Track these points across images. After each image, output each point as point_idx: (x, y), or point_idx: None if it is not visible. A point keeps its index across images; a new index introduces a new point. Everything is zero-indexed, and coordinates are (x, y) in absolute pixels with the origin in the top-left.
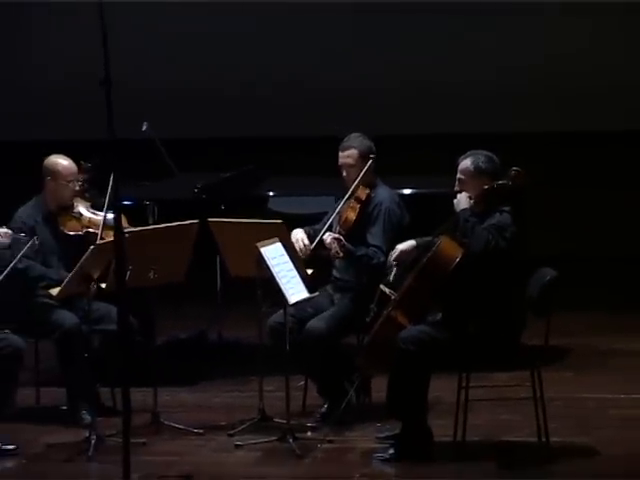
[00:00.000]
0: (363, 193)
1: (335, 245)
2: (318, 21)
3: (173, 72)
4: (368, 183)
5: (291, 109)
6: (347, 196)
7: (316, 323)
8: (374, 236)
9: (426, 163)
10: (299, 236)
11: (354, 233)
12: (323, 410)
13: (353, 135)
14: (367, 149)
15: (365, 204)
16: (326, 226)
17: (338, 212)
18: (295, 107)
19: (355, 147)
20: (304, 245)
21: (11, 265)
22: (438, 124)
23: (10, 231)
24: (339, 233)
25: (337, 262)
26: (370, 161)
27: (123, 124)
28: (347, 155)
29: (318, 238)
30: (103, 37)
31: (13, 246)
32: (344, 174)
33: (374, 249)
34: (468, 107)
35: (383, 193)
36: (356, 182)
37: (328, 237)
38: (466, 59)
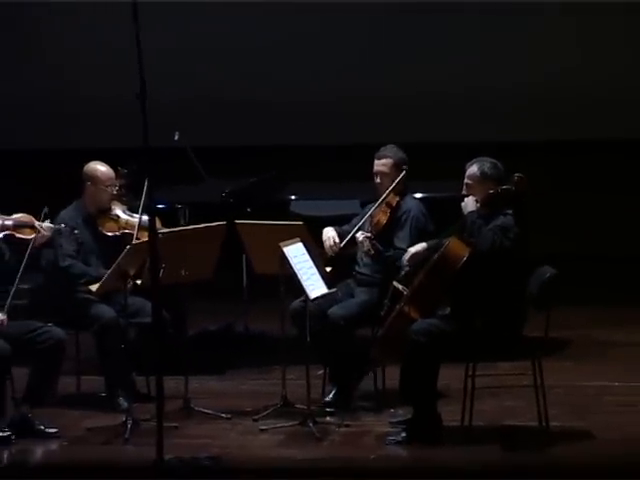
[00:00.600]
0: (394, 200)
1: (367, 243)
2: (336, 32)
3: (204, 84)
4: (399, 191)
5: (311, 118)
6: (379, 201)
7: (337, 310)
8: (401, 239)
9: (435, 169)
10: (330, 234)
11: (382, 235)
12: (329, 398)
13: (389, 146)
14: (401, 160)
15: (395, 210)
16: (357, 227)
17: (370, 215)
18: (315, 116)
19: (390, 157)
20: (334, 242)
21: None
22: (444, 133)
23: (52, 225)
24: (371, 233)
25: (360, 259)
26: (404, 171)
27: (157, 133)
28: (382, 163)
29: (349, 236)
30: (138, 54)
31: (55, 237)
32: (377, 180)
33: (400, 251)
34: (474, 117)
35: (411, 202)
36: (389, 189)
37: (361, 235)
38: (472, 70)
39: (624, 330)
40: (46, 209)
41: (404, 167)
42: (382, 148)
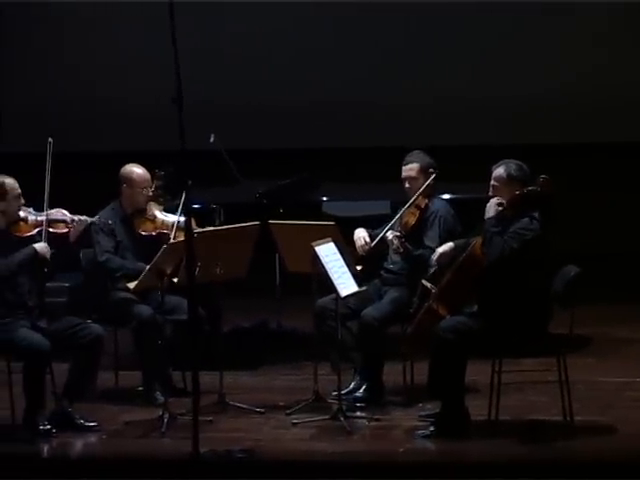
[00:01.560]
0: (422, 202)
1: (397, 241)
2: (367, 35)
3: (239, 89)
4: (427, 194)
5: (343, 121)
6: (409, 204)
7: (371, 311)
8: (430, 239)
9: (463, 172)
10: (361, 234)
11: (412, 236)
12: (359, 394)
13: (415, 151)
14: (427, 164)
15: (424, 211)
16: (388, 227)
17: (400, 216)
18: (347, 119)
19: (417, 162)
20: (365, 242)
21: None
22: (471, 136)
23: (86, 217)
24: (400, 232)
25: (390, 259)
26: (432, 174)
27: (193, 136)
28: (410, 168)
29: (379, 236)
30: (175, 59)
31: (93, 235)
32: (407, 185)
33: (429, 250)
34: (499, 120)
35: (439, 203)
36: (419, 192)
37: (391, 234)
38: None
39: None
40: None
41: (431, 170)
42: (408, 154)
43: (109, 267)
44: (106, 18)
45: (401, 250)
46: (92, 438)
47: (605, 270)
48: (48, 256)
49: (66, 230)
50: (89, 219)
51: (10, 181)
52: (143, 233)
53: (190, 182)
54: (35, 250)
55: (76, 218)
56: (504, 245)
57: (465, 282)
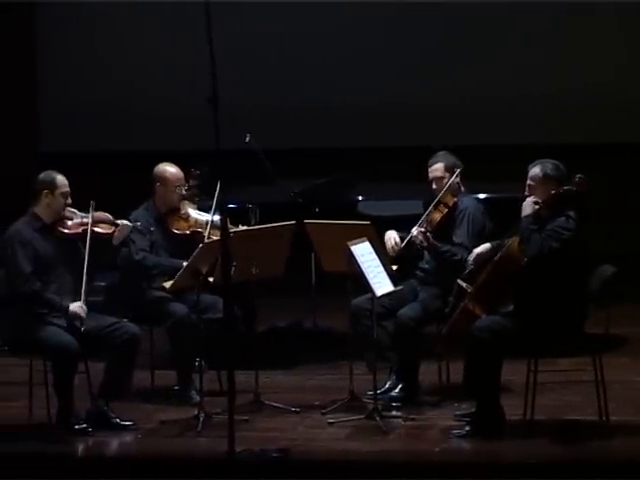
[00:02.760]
0: (451, 200)
1: (421, 236)
2: (399, 37)
3: (275, 90)
4: (454, 191)
5: (377, 121)
6: (435, 202)
7: (407, 311)
8: (458, 236)
9: (498, 171)
10: (392, 236)
11: (440, 234)
12: (395, 393)
13: (440, 152)
14: (452, 163)
15: (452, 209)
16: (416, 226)
17: (427, 214)
18: (380, 119)
19: (441, 162)
20: (395, 243)
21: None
22: (507, 135)
23: (130, 222)
24: (425, 228)
25: (425, 259)
26: (456, 173)
27: (229, 135)
28: (435, 169)
29: (408, 237)
30: (211, 59)
31: (129, 234)
32: (433, 186)
33: (457, 247)
34: (536, 119)
35: (468, 201)
36: (444, 189)
37: (415, 230)
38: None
39: None
40: (93, 203)
41: (456, 169)
42: (433, 156)
43: (145, 265)
44: (139, 18)
45: (425, 244)
46: (128, 437)
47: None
48: (83, 315)
49: (109, 232)
50: (131, 224)
51: (60, 178)
52: (177, 232)
53: (220, 181)
54: (67, 308)
55: (119, 222)
56: (543, 243)
57: (501, 282)
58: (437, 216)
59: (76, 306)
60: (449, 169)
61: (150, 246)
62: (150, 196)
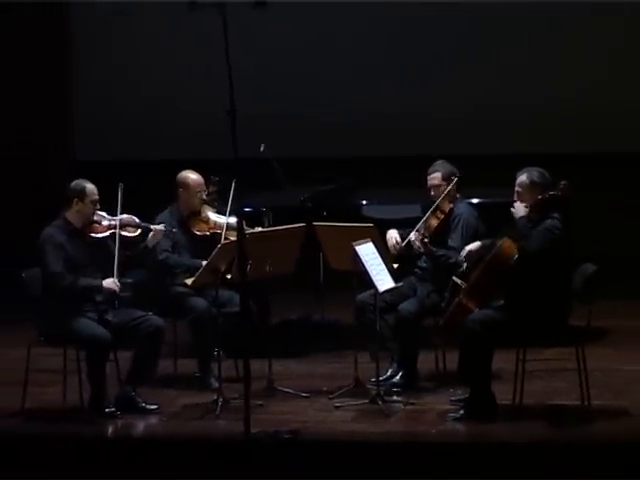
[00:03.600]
0: (447, 206)
1: (418, 242)
2: (405, 49)
3: (287, 103)
4: (451, 198)
5: (378, 132)
6: (432, 208)
7: (407, 306)
8: (453, 240)
9: (488, 178)
10: (393, 235)
11: (437, 238)
12: (396, 380)
13: (438, 161)
14: (449, 172)
15: (448, 215)
16: (415, 230)
17: (424, 220)
18: (384, 131)
19: (439, 171)
20: (396, 242)
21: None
22: (496, 146)
23: (163, 227)
24: (422, 234)
25: (423, 258)
26: (453, 181)
27: (245, 145)
28: (433, 177)
29: (407, 238)
30: (229, 75)
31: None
32: (432, 193)
33: (452, 250)
34: (523, 130)
35: (463, 207)
36: (441, 197)
37: (413, 236)
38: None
39: None
40: (122, 185)
41: (453, 177)
42: (432, 165)
43: (168, 264)
44: (170, 39)
45: (422, 249)
46: (153, 420)
47: (620, 268)
48: (117, 289)
49: (136, 234)
50: (164, 228)
51: (90, 186)
52: (198, 233)
53: (236, 186)
54: (101, 285)
55: (152, 227)
56: (543, 239)
57: (492, 279)
58: (434, 222)
59: (109, 282)
60: (446, 178)
61: (172, 246)
62: (174, 200)
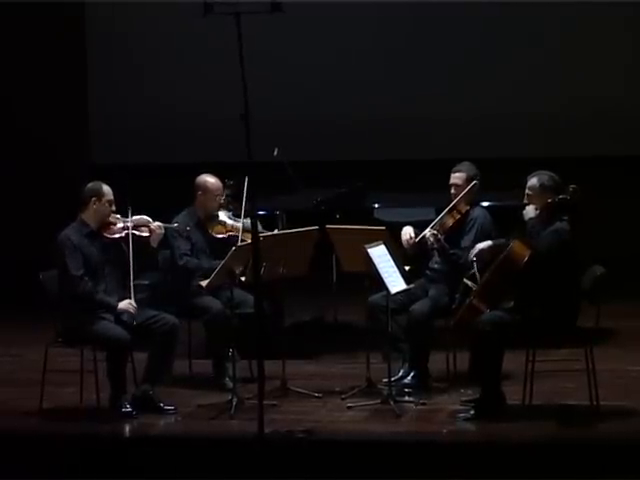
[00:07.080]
0: (464, 208)
1: (432, 238)
2: (418, 54)
3: (301, 107)
4: (469, 201)
5: (394, 137)
6: (450, 207)
7: (419, 307)
8: (466, 241)
9: (500, 182)
10: (408, 231)
11: (451, 238)
12: (408, 380)
13: (465, 162)
14: (473, 174)
15: (464, 216)
16: (430, 226)
17: (441, 218)
18: (397, 135)
19: (464, 171)
20: (410, 237)
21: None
22: (508, 150)
23: (162, 224)
24: (437, 230)
25: (434, 259)
26: (473, 183)
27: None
28: (457, 177)
29: (422, 234)
30: (243, 79)
31: (171, 239)
32: (452, 191)
33: (463, 251)
34: (536, 135)
35: (479, 210)
36: (459, 197)
37: (428, 232)
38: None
39: None
40: (131, 208)
41: (475, 180)
42: (458, 164)
43: (188, 268)
44: (186, 46)
45: (435, 246)
46: (169, 419)
47: (630, 269)
48: (133, 311)
49: (149, 234)
50: (164, 224)
51: (106, 188)
52: (215, 235)
53: (250, 190)
54: (116, 306)
55: (155, 224)
56: (552, 240)
57: (503, 280)
58: (449, 221)
59: (125, 303)
60: (469, 179)
61: (191, 249)
62: (191, 203)
